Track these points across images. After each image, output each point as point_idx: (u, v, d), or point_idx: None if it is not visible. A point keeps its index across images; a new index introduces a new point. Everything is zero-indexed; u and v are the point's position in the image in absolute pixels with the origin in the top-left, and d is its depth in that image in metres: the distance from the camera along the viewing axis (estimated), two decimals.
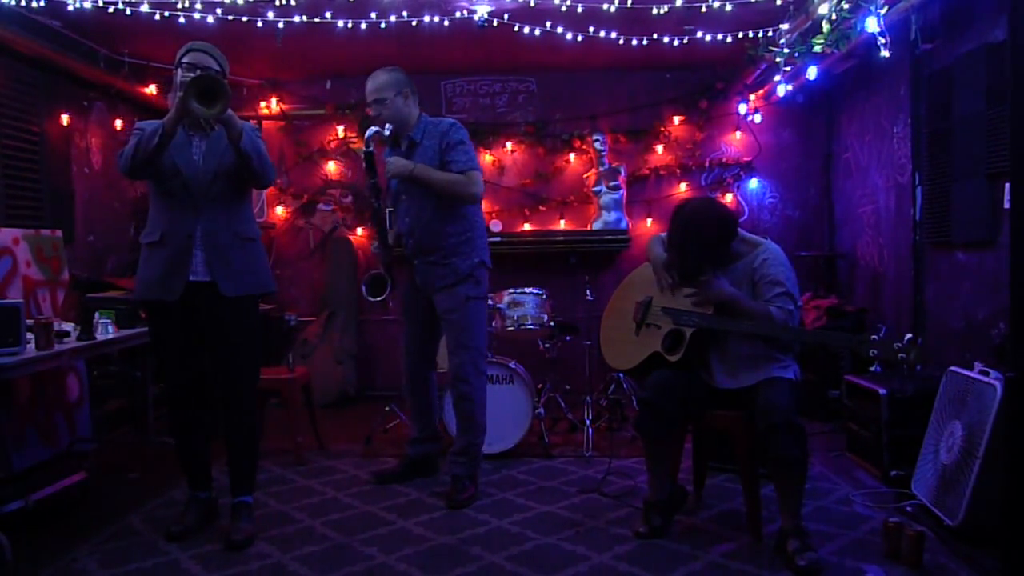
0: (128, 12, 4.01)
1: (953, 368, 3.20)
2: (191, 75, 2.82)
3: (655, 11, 4.12)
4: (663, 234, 3.19)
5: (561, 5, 4.10)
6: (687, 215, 2.89)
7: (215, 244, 2.90)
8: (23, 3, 3.91)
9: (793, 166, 5.84)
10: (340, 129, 5.91)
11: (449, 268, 3.46)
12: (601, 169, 5.62)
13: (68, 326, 3.45)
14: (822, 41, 3.84)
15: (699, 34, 4.60)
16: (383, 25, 4.32)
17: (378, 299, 3.53)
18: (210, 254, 2.89)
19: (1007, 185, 2.94)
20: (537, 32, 4.46)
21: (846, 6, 3.60)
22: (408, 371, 3.73)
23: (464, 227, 3.49)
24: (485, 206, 5.75)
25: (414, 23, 4.33)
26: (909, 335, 2.55)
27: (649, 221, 5.82)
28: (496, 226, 5.72)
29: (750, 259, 2.93)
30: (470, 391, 3.50)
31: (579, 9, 4.14)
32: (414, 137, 3.46)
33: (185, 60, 2.89)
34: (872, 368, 3.81)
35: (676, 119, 5.82)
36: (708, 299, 2.87)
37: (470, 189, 3.39)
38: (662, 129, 5.82)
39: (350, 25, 4.33)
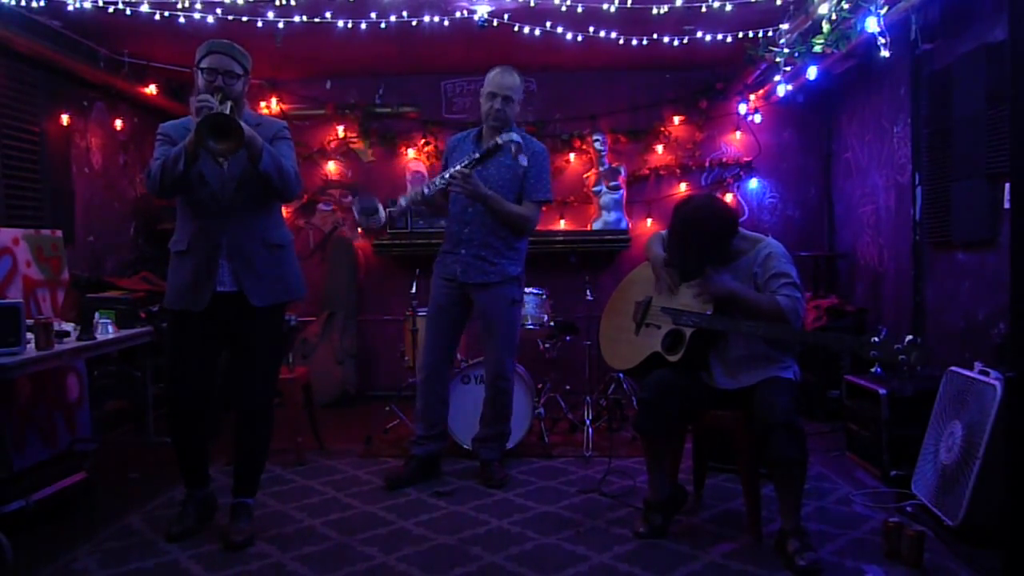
0: (128, 12, 4.01)
1: (953, 368, 3.21)
2: (211, 80, 2.76)
3: (655, 11, 4.12)
4: (662, 232, 3.19)
5: (561, 5, 4.10)
6: (689, 212, 2.89)
7: (242, 254, 2.87)
8: (23, 3, 3.91)
9: (793, 166, 5.84)
10: (340, 129, 5.91)
11: (498, 268, 3.56)
12: (601, 169, 5.62)
13: (68, 326, 3.45)
14: (822, 41, 3.84)
15: (699, 34, 4.60)
16: (383, 25, 4.32)
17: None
18: (237, 264, 2.87)
19: (1007, 185, 2.94)
20: (537, 32, 4.46)
21: (846, 6, 3.59)
22: (429, 367, 3.68)
23: (515, 236, 3.64)
24: None
25: (414, 23, 4.33)
26: (910, 337, 2.54)
27: (649, 221, 5.82)
28: None
29: (751, 256, 2.93)
30: (509, 387, 3.72)
31: (579, 9, 4.14)
32: (503, 141, 3.51)
33: (204, 65, 2.80)
34: (873, 370, 3.81)
35: (676, 119, 5.82)
36: (712, 294, 2.86)
37: (528, 224, 3.62)
38: (662, 129, 5.82)
39: (350, 25, 4.33)
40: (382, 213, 3.50)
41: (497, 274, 3.56)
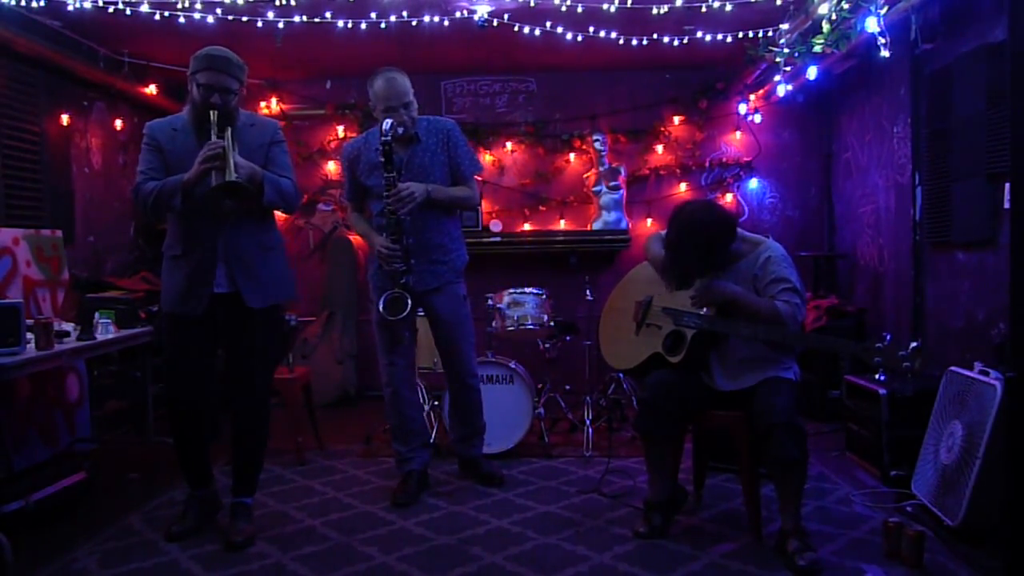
0: (128, 12, 4.01)
1: (953, 368, 3.20)
2: (208, 97, 2.75)
3: (655, 11, 4.12)
4: (663, 232, 3.18)
5: (561, 5, 4.10)
6: (685, 219, 2.85)
7: (238, 256, 2.89)
8: (23, 3, 3.91)
9: (793, 166, 5.84)
10: (340, 129, 5.91)
11: (449, 265, 3.47)
12: (601, 169, 5.62)
13: (68, 326, 3.45)
14: (822, 41, 3.84)
15: (699, 34, 4.60)
16: (383, 25, 4.32)
17: (399, 317, 3.26)
18: (233, 266, 2.88)
19: (1007, 185, 2.94)
20: (537, 32, 4.46)
21: (846, 6, 3.60)
22: (397, 379, 3.51)
23: (457, 223, 3.59)
24: (485, 206, 5.77)
25: (414, 23, 4.33)
26: (914, 343, 2.55)
27: (649, 221, 5.82)
28: (496, 226, 5.72)
29: (752, 258, 2.92)
30: (477, 383, 3.68)
31: (579, 9, 4.14)
32: (418, 133, 3.40)
33: (202, 81, 2.77)
34: (877, 376, 3.79)
35: (676, 119, 5.82)
36: (711, 300, 2.86)
37: (474, 201, 3.58)
38: (662, 129, 5.82)
39: (350, 25, 4.33)
40: (408, 302, 3.29)
41: (451, 272, 3.47)
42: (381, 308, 3.29)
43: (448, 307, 3.49)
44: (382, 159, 3.19)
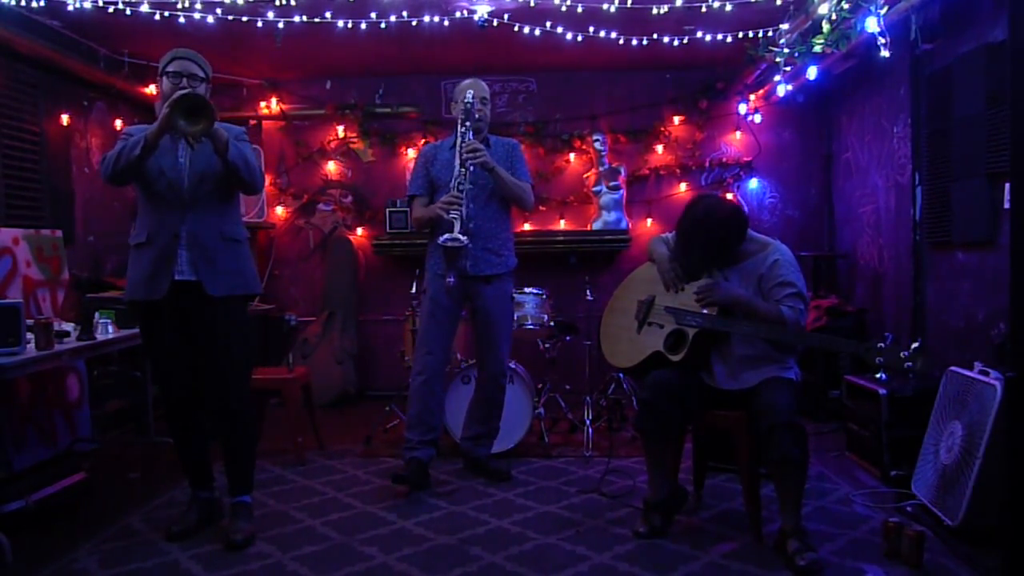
0: (128, 12, 4.01)
1: (953, 368, 3.20)
2: (177, 83, 2.85)
3: (655, 11, 4.12)
4: (665, 235, 3.20)
5: (561, 5, 4.10)
6: (700, 212, 2.88)
7: (200, 244, 2.89)
8: (23, 3, 3.92)
9: (793, 166, 5.84)
10: (340, 129, 5.91)
11: (502, 260, 3.62)
12: (601, 169, 5.63)
13: (68, 326, 3.45)
14: (822, 41, 3.84)
15: (699, 34, 4.61)
16: (383, 25, 4.32)
17: (456, 245, 3.33)
18: (195, 253, 2.89)
19: (1007, 185, 2.94)
20: (537, 32, 4.46)
21: (846, 6, 3.59)
22: (431, 369, 3.56)
23: (511, 227, 3.78)
24: None
25: (414, 23, 4.34)
26: (915, 344, 2.55)
27: (649, 221, 5.82)
28: None
29: (759, 259, 2.93)
30: (506, 383, 3.77)
31: (579, 9, 4.14)
32: (489, 138, 3.67)
33: (170, 69, 2.89)
34: (878, 376, 3.79)
35: (676, 119, 5.82)
36: (715, 301, 2.87)
37: (529, 198, 3.72)
38: (662, 129, 5.82)
39: (350, 25, 4.33)
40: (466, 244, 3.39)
41: (503, 266, 3.62)
42: (441, 241, 3.37)
43: (497, 301, 3.62)
44: (462, 116, 3.48)
